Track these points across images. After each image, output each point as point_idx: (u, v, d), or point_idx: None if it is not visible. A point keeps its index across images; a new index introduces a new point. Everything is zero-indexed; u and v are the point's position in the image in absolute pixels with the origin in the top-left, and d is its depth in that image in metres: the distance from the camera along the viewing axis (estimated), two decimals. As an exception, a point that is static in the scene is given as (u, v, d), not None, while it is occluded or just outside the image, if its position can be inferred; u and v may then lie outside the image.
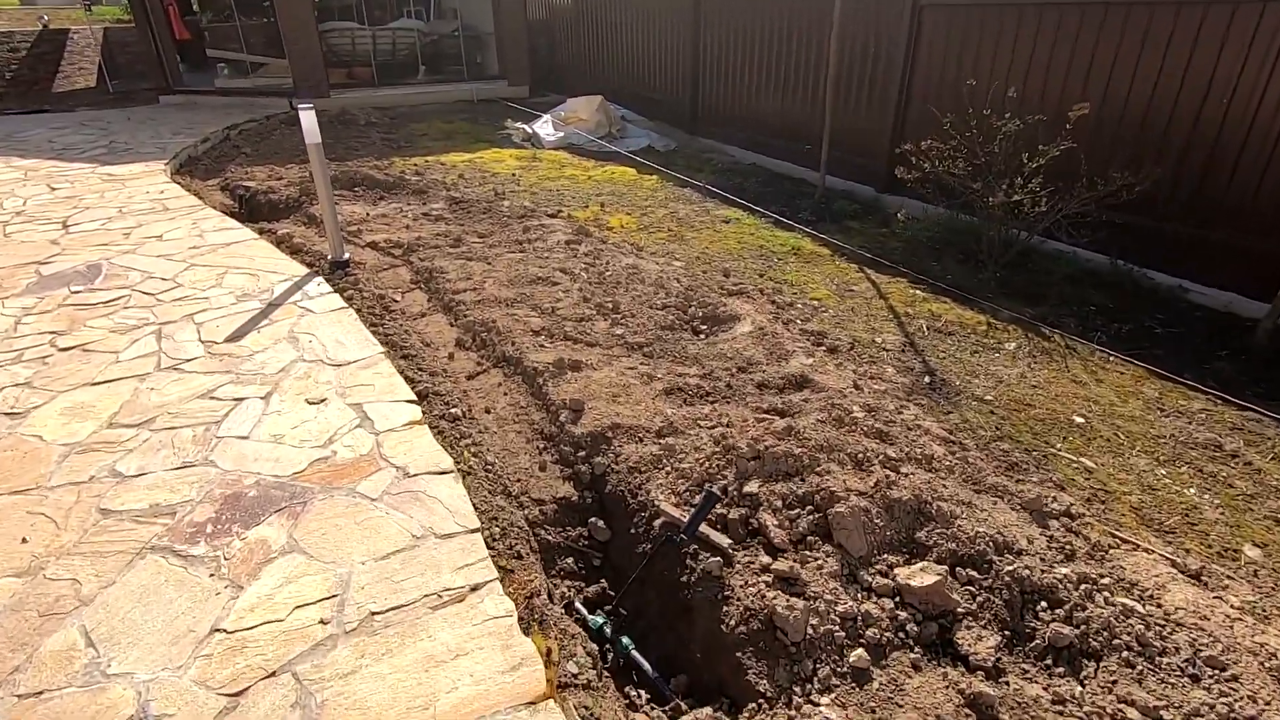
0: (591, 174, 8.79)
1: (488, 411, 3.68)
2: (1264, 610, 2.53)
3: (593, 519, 3.09)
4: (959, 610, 2.40)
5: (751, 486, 2.84)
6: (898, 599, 2.46)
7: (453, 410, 3.53)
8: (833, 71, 7.25)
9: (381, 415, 3.32)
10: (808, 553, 2.60)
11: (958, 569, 2.55)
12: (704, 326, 4.54)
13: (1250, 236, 5.02)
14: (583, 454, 3.29)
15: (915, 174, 5.83)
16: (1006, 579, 2.48)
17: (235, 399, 3.42)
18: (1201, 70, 5.06)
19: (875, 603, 2.43)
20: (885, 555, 2.62)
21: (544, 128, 10.78)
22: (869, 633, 2.32)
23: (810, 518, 2.69)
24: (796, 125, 8.73)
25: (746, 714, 2.22)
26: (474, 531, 2.61)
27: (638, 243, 6.19)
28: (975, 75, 6.28)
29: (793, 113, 8.76)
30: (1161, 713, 2.08)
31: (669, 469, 3.07)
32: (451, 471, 2.94)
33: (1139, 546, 2.78)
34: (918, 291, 5.39)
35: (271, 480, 2.82)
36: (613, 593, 2.87)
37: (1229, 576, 2.71)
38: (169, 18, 13.19)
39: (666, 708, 2.38)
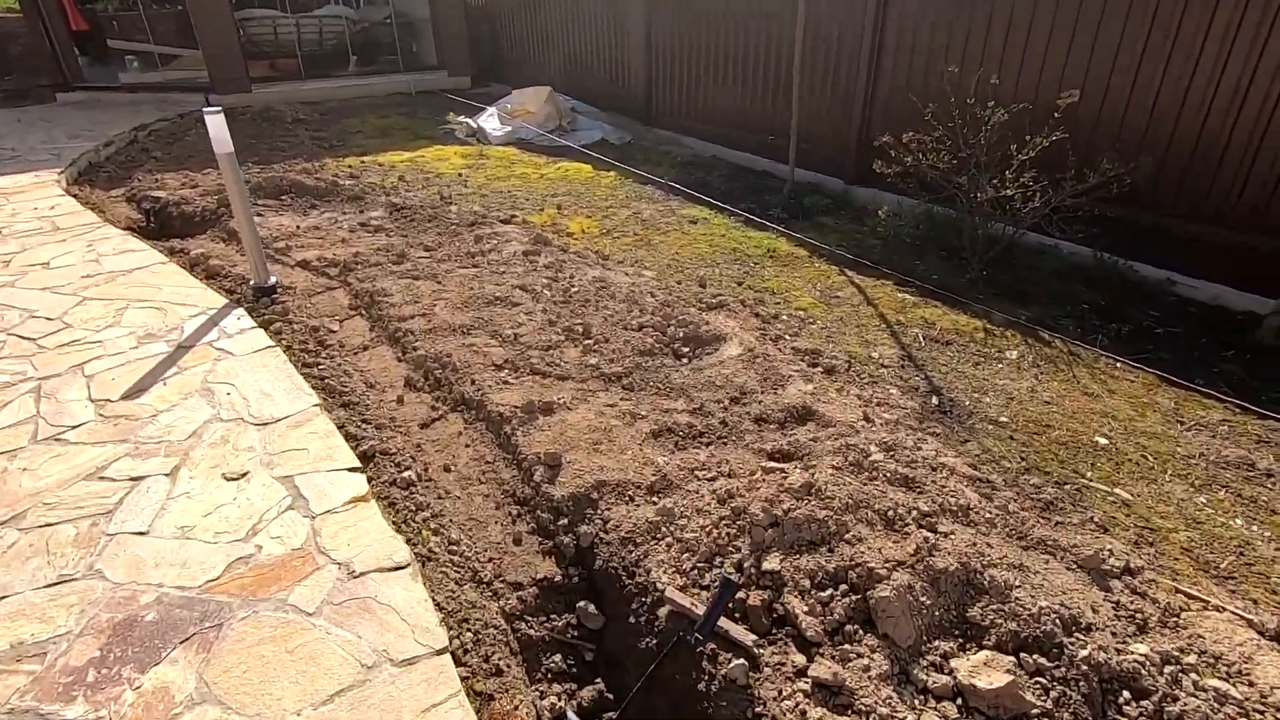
0: (544, 172, 8.20)
1: (448, 470, 3.14)
2: None
3: (581, 603, 2.61)
4: (1033, 712, 2.01)
5: (772, 562, 2.39)
6: (960, 701, 2.06)
7: (405, 474, 2.98)
8: (798, 60, 6.83)
9: (318, 491, 2.75)
10: (847, 646, 2.18)
11: (1021, 654, 2.16)
12: (686, 349, 4.07)
13: (1240, 231, 4.81)
14: (564, 521, 2.80)
15: (896, 168, 5.47)
16: (1082, 667, 2.10)
17: (132, 478, 2.79)
18: (1188, 54, 4.82)
19: (936, 709, 2.02)
20: (936, 641, 2.22)
21: (490, 122, 10.10)
22: (936, 755, 1.91)
23: (845, 600, 2.27)
24: (759, 116, 8.31)
25: None
26: (440, 653, 2.09)
27: (602, 250, 5.68)
28: (948, 61, 5.95)
29: (755, 103, 8.33)
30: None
31: (669, 539, 2.61)
32: (408, 566, 2.41)
33: (1209, 604, 2.45)
34: (906, 295, 5.04)
35: (177, 595, 2.24)
36: (611, 695, 2.40)
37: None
38: (62, 6, 11.91)
39: None
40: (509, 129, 9.90)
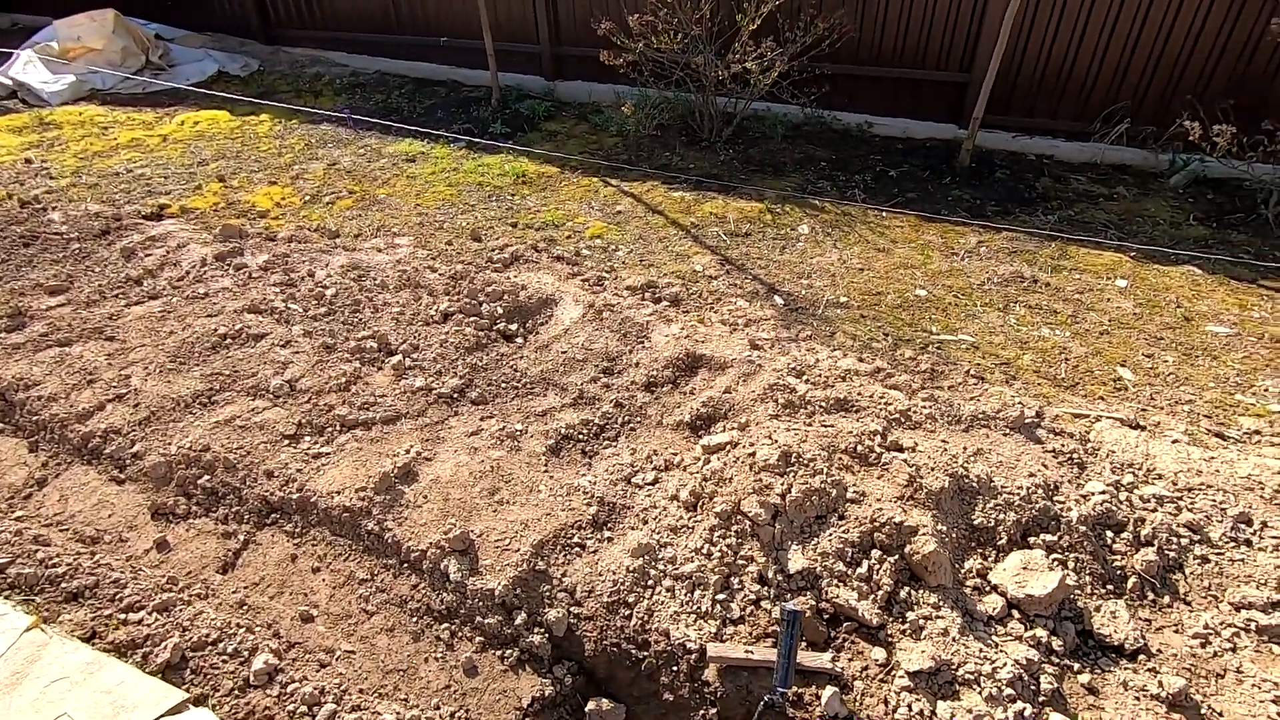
0: (165, 131, 6.05)
1: (309, 620, 2.17)
2: (1199, 438, 2.75)
3: (590, 705, 2.05)
4: (1074, 593, 2.09)
5: (797, 560, 2.09)
6: (1016, 612, 2.05)
7: (254, 660, 1.97)
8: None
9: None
10: (906, 613, 2.02)
11: (1030, 539, 2.23)
12: (515, 326, 3.36)
13: (920, 69, 5.43)
14: (520, 617, 2.13)
15: (627, 56, 5.02)
16: (1080, 529, 2.24)
17: None
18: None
19: (1007, 633, 1.99)
20: (966, 563, 2.17)
21: (33, 73, 7.07)
22: (1042, 683, 1.89)
23: (885, 566, 2.08)
24: (424, 13, 7.04)
25: None
26: None
27: (325, 225, 4.39)
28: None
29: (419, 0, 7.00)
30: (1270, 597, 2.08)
31: (667, 579, 2.14)
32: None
33: (1090, 417, 2.81)
34: (681, 194, 4.82)
35: None
36: (676, 786, 1.98)
37: (1147, 409, 2.90)
38: None
39: None
40: (69, 79, 7.04)
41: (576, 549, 2.28)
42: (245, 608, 2.19)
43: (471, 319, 3.34)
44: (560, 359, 3.12)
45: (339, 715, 1.89)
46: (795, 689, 1.87)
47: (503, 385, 3.00)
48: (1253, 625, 2.03)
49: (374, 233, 4.31)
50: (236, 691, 1.92)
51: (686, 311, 3.51)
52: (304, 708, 1.89)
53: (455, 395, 2.93)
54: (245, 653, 2.01)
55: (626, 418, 2.81)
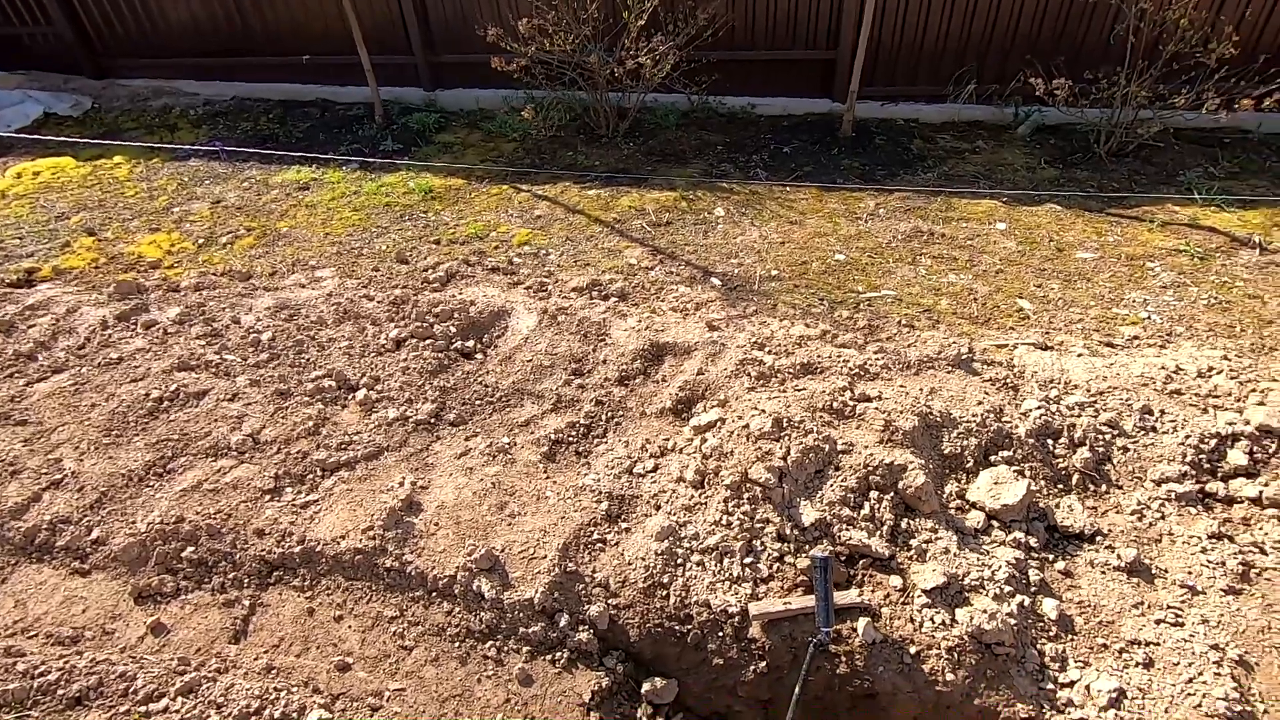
0: (1, 187, 5.37)
1: (345, 669, 2.12)
2: (1096, 349, 3.22)
3: (645, 686, 2.16)
4: (1036, 497, 2.43)
5: (808, 513, 2.29)
6: (995, 521, 2.36)
7: None
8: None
9: None
10: (910, 541, 2.27)
11: (992, 456, 2.56)
12: (473, 343, 3.35)
13: (792, 50, 5.80)
14: (563, 619, 2.19)
15: (521, 61, 5.03)
16: (1028, 441, 2.58)
17: None
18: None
19: (993, 539, 2.29)
20: (947, 488, 2.46)
21: None
22: (1030, 575, 2.19)
23: (882, 504, 2.32)
24: (280, 31, 6.64)
25: (1028, 747, 1.93)
26: None
27: (233, 269, 4.11)
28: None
29: (270, 13, 6.58)
30: (1186, 473, 2.50)
31: (695, 555, 2.27)
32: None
33: (1011, 345, 3.21)
34: (594, 191, 4.92)
35: None
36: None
37: (1050, 332, 3.35)
38: None
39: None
40: None
41: (599, 545, 2.36)
42: (274, 672, 2.11)
43: (426, 342, 3.29)
44: (528, 368, 3.15)
45: (413, 751, 1.88)
46: (835, 628, 2.06)
47: (477, 403, 3.00)
48: (1172, 495, 2.45)
49: (290, 269, 4.09)
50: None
51: (636, 304, 3.62)
52: (375, 753, 1.87)
53: (432, 420, 2.90)
54: (294, 714, 1.94)
55: (610, 413, 2.90)
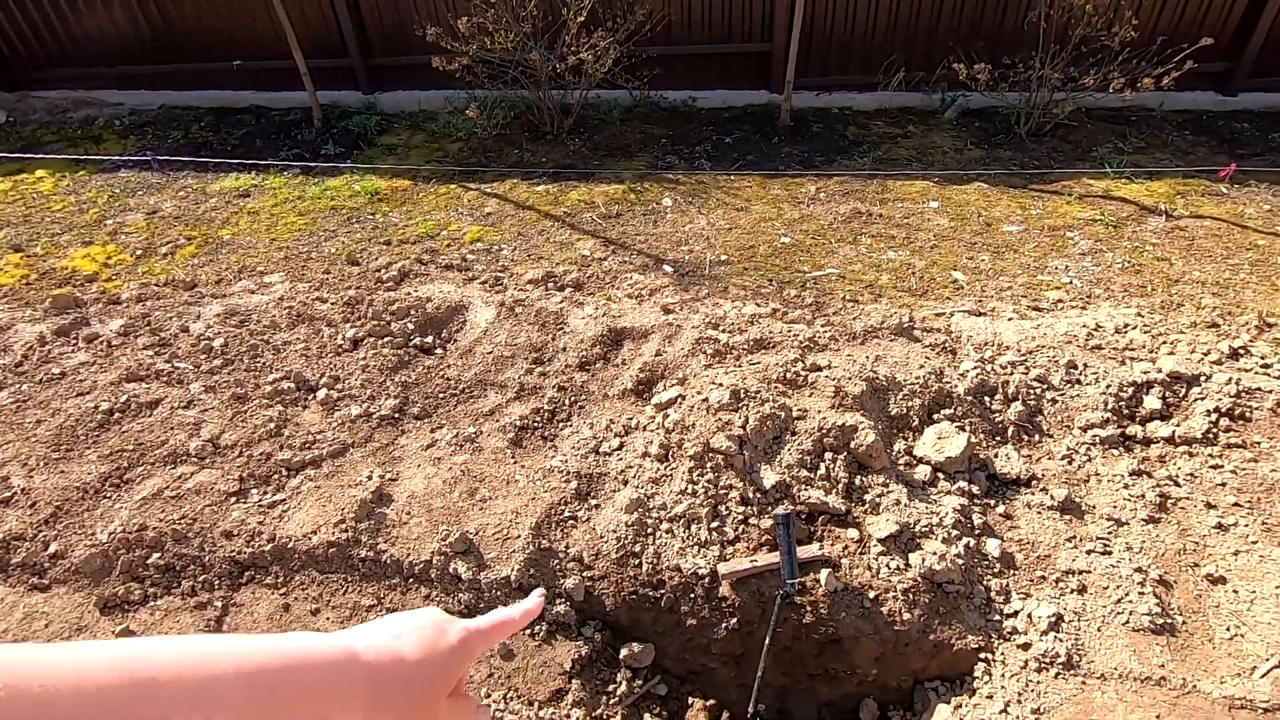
0: (-85, 207, 5.10)
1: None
2: (1024, 313, 3.44)
3: (624, 652, 2.24)
4: (976, 449, 2.61)
5: (769, 477, 2.41)
6: (940, 473, 2.53)
7: None
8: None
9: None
10: (864, 496, 2.41)
11: (935, 415, 2.73)
12: (431, 338, 3.37)
13: (729, 44, 5.96)
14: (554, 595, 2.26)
15: (462, 60, 5.04)
16: (966, 399, 2.76)
17: None
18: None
19: (939, 489, 2.45)
20: (895, 446, 2.62)
21: None
22: (974, 519, 2.36)
23: (836, 464, 2.46)
24: (205, 38, 6.46)
25: (980, 681, 2.09)
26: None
27: (176, 278, 4.01)
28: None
29: (195, 20, 6.40)
30: (1106, 417, 2.72)
31: (665, 523, 2.36)
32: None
33: (948, 313, 3.40)
34: (543, 187, 4.97)
35: None
36: (723, 704, 2.24)
37: (982, 299, 3.57)
38: None
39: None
40: None
41: (571, 522, 2.43)
42: None
43: (385, 340, 3.30)
44: (489, 360, 3.20)
45: (401, 729, 1.92)
46: (800, 580, 2.19)
47: (441, 396, 3.03)
48: (1097, 439, 2.66)
49: (236, 275, 4.02)
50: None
51: (592, 293, 3.70)
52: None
53: (396, 415, 2.92)
54: None
55: (573, 398, 2.97)
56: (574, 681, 2.12)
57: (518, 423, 2.83)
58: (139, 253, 4.35)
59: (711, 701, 2.23)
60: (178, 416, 2.90)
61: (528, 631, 2.22)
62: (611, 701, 2.13)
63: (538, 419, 2.86)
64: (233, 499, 2.54)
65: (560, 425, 2.85)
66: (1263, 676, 1.93)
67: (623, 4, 5.46)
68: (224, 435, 2.81)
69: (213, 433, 2.81)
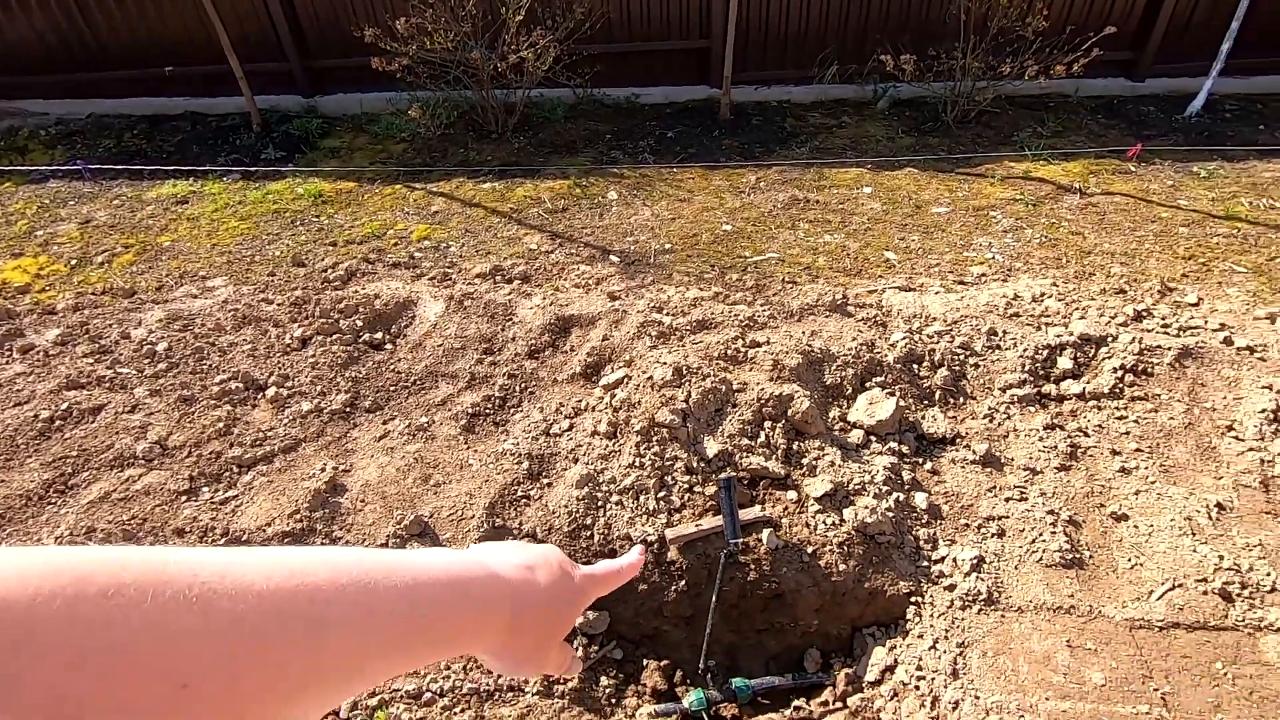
0: None
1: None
2: (950, 287, 3.64)
3: (580, 618, 2.33)
4: (905, 412, 2.77)
5: (712, 446, 2.53)
6: (872, 436, 2.68)
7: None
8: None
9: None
10: (801, 460, 2.55)
11: (867, 383, 2.89)
12: (380, 334, 3.40)
13: (669, 41, 6.09)
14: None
15: (402, 61, 5.05)
16: (896, 367, 2.93)
17: None
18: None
19: (870, 450, 2.61)
20: (831, 413, 2.76)
21: None
22: (904, 476, 2.52)
23: (775, 431, 2.59)
24: (136, 42, 6.32)
25: (911, 622, 2.24)
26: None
27: (114, 286, 3.94)
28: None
29: (124, 25, 6.24)
30: (1026, 378, 2.92)
31: (614, 495, 2.46)
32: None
33: (880, 290, 3.58)
34: (489, 185, 5.02)
35: None
36: (676, 664, 2.35)
37: (912, 276, 3.76)
38: None
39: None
40: None
41: (524, 500, 2.51)
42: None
43: (333, 337, 3.32)
44: (439, 352, 3.25)
45: (363, 701, 1.97)
46: (742, 540, 2.31)
47: (392, 389, 3.07)
48: (1015, 399, 2.85)
49: (178, 281, 3.97)
50: None
51: (539, 284, 3.78)
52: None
53: (348, 409, 2.95)
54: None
55: (522, 385, 3.04)
56: (531, 650, 2.20)
57: (469, 410, 2.89)
58: (73, 262, 4.25)
59: (665, 662, 2.34)
60: (123, 421, 2.88)
61: (485, 606, 2.28)
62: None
63: (489, 406, 2.93)
64: (183, 498, 2.55)
65: (511, 411, 2.92)
66: (1159, 599, 2.13)
67: (561, 3, 5.55)
68: (172, 436, 2.80)
69: (160, 434, 2.80)
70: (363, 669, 0.41)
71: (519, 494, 2.52)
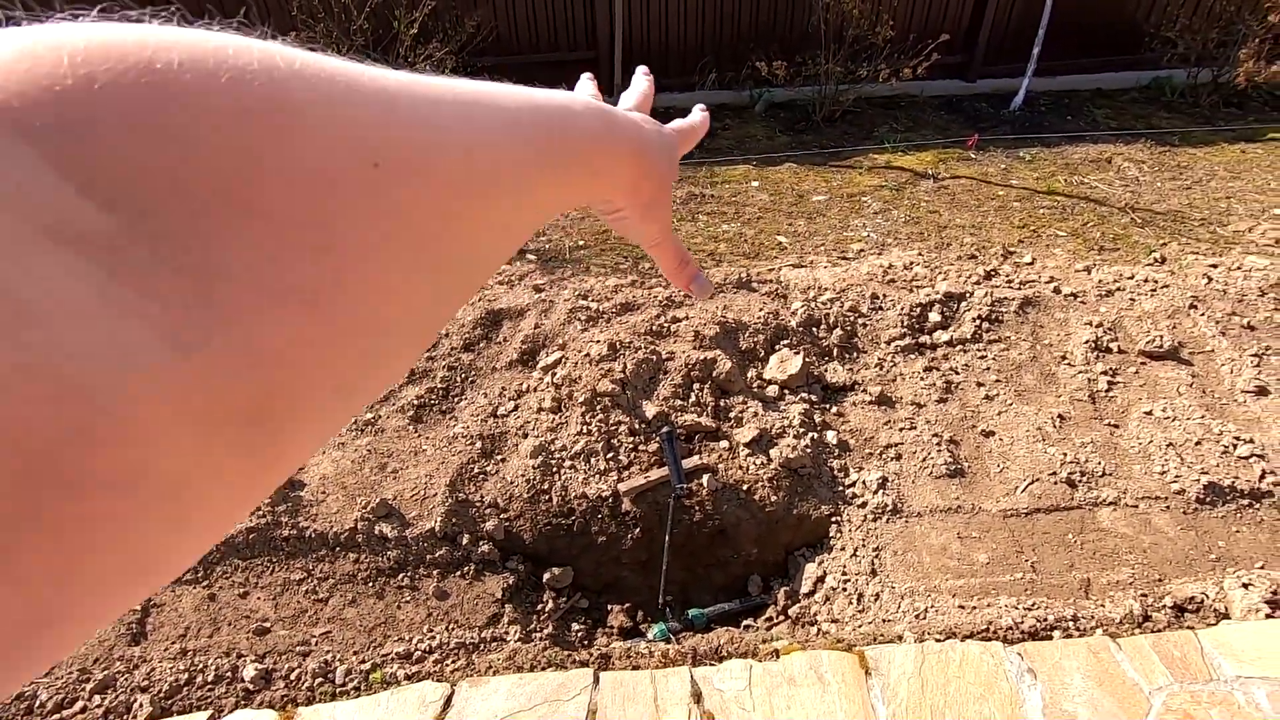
0: None
1: (265, 632, 2.24)
2: (836, 263, 4.14)
3: (546, 575, 2.55)
4: (811, 368, 3.18)
5: (650, 409, 2.81)
6: (786, 389, 3.07)
7: (241, 686, 2.04)
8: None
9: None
10: (730, 414, 2.89)
11: (776, 345, 3.28)
12: (310, 341, 3.44)
13: (558, 52, 6.37)
14: (465, 539, 2.50)
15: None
16: (799, 330, 3.35)
17: None
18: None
19: (785, 401, 2.99)
20: (749, 373, 3.13)
21: None
22: (815, 419, 2.91)
23: (704, 391, 2.92)
24: None
25: (834, 539, 2.62)
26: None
27: None
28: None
29: None
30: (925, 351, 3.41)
31: (567, 462, 2.69)
32: None
33: (778, 268, 4.02)
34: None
35: None
36: (638, 605, 2.61)
37: (803, 255, 4.23)
38: None
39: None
40: None
41: (482, 476, 2.69)
42: (189, 654, 2.17)
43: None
44: (374, 352, 3.33)
45: (356, 669, 2.09)
46: (686, 485, 2.60)
47: (332, 390, 3.13)
48: (898, 349, 3.34)
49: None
50: (244, 701, 1.99)
51: (464, 284, 3.92)
52: (321, 680, 2.05)
53: (290, 412, 2.99)
54: (228, 674, 2.05)
55: (463, 375, 3.20)
56: (506, 606, 2.39)
57: (415, 402, 3.02)
58: None
59: (628, 604, 2.59)
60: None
61: (458, 572, 2.45)
62: (542, 617, 2.42)
63: (433, 396, 3.07)
64: (131, 510, 2.52)
65: (456, 399, 3.08)
66: (1022, 492, 2.62)
67: (451, 16, 5.69)
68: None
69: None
70: (533, 196, 0.33)
71: (476, 471, 2.70)
